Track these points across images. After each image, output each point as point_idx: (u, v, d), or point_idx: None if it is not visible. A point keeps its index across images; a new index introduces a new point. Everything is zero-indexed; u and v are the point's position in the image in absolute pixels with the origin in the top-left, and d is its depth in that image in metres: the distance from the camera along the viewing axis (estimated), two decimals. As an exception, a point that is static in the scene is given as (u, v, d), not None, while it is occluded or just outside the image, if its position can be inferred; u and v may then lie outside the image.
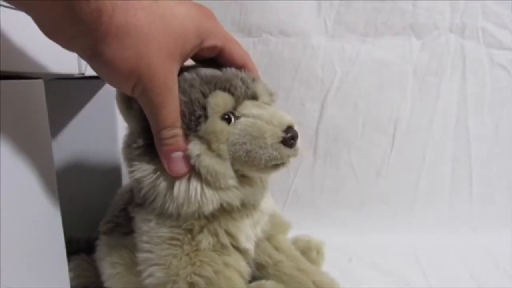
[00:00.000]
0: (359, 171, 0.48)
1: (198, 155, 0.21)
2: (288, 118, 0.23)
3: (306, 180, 0.48)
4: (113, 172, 0.37)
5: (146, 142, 0.22)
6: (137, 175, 0.22)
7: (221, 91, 0.22)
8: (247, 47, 0.45)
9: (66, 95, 0.35)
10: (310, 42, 0.45)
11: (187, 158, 0.22)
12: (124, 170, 0.37)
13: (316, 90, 0.46)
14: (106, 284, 0.27)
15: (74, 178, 0.36)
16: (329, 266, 0.35)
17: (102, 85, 0.36)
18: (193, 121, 0.22)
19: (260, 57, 0.46)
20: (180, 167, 0.22)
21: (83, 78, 0.31)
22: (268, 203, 0.27)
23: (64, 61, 0.27)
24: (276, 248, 0.30)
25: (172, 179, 0.22)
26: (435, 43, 0.45)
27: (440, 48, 0.45)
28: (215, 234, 0.23)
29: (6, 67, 0.20)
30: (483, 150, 0.47)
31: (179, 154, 0.21)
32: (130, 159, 0.23)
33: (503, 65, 0.45)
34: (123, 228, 0.26)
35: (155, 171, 0.22)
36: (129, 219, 0.26)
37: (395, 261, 0.39)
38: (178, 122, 0.21)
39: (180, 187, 0.22)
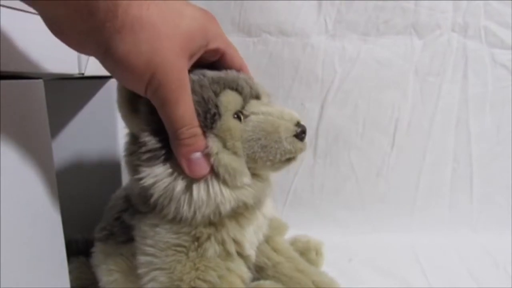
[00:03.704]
0: (359, 171, 0.47)
1: (217, 153, 0.21)
2: (296, 114, 0.23)
3: (306, 180, 0.48)
4: (113, 172, 0.36)
5: (156, 146, 0.22)
6: (149, 181, 0.21)
7: (230, 90, 0.23)
8: (247, 47, 0.46)
9: (66, 95, 0.35)
10: (310, 41, 0.45)
11: (207, 157, 0.21)
12: (125, 170, 0.37)
13: (316, 90, 0.46)
14: None
15: (74, 179, 0.36)
16: (329, 266, 0.35)
17: (102, 85, 0.36)
18: (209, 119, 0.21)
19: (260, 57, 0.45)
20: (201, 167, 0.21)
21: (83, 78, 0.31)
22: (269, 207, 0.27)
23: (64, 61, 0.27)
24: (275, 250, 0.31)
25: (189, 181, 0.21)
26: (437, 43, 0.45)
27: (442, 47, 0.45)
28: (222, 242, 0.23)
29: (6, 67, 0.20)
30: (484, 150, 0.46)
31: (198, 154, 0.21)
32: (136, 166, 0.22)
33: (505, 65, 0.45)
34: (118, 237, 0.26)
35: (170, 174, 0.21)
36: (125, 228, 0.25)
37: (395, 261, 0.39)
38: (195, 121, 0.21)
39: (199, 189, 0.21)
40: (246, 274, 0.25)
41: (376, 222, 0.47)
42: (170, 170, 0.21)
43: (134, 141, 0.23)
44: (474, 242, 0.44)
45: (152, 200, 0.22)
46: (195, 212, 0.22)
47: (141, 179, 0.22)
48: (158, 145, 0.22)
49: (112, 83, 0.36)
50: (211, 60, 0.24)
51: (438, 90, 0.46)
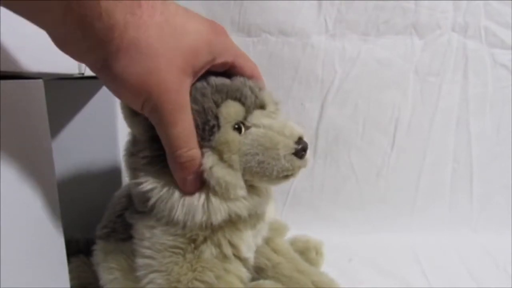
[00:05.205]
0: (359, 172, 0.47)
1: (211, 168, 0.21)
2: (298, 129, 0.23)
3: (306, 181, 0.48)
4: (113, 173, 0.36)
5: (154, 153, 0.22)
6: (147, 187, 0.22)
7: (232, 101, 0.22)
8: (247, 47, 0.46)
9: (66, 95, 0.35)
10: (310, 41, 0.45)
11: (201, 173, 0.21)
12: (125, 170, 0.37)
13: (316, 90, 0.46)
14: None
15: (74, 179, 0.36)
16: (329, 266, 0.35)
17: (102, 85, 0.36)
18: (207, 131, 0.21)
19: (260, 57, 0.45)
20: (195, 186, 0.21)
21: (83, 78, 0.31)
22: (269, 211, 0.27)
23: (64, 61, 0.27)
24: (275, 251, 0.31)
25: (184, 192, 0.22)
26: (437, 43, 0.45)
27: (442, 47, 0.45)
28: (218, 245, 0.23)
29: (6, 67, 0.20)
30: (484, 150, 0.46)
31: (194, 175, 0.21)
32: (134, 169, 0.22)
33: (505, 65, 0.45)
34: (120, 235, 0.26)
35: (166, 184, 0.22)
36: (126, 225, 0.25)
37: (395, 261, 0.40)
38: (193, 141, 0.21)
39: (192, 198, 0.22)
40: (245, 274, 0.25)
41: (376, 222, 0.47)
42: (165, 181, 0.22)
43: (134, 142, 0.23)
44: (474, 242, 0.44)
45: (149, 203, 0.22)
46: (187, 219, 0.22)
47: (139, 184, 0.22)
48: (156, 153, 0.22)
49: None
50: (219, 71, 0.23)
51: (438, 90, 0.46)
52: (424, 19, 0.44)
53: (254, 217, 0.25)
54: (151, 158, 0.22)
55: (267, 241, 0.30)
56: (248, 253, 0.25)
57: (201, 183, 0.22)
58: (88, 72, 0.30)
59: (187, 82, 0.20)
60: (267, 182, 0.23)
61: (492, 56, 0.45)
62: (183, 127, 0.20)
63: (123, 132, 0.38)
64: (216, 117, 0.22)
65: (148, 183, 0.22)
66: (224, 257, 0.24)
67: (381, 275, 0.38)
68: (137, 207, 0.24)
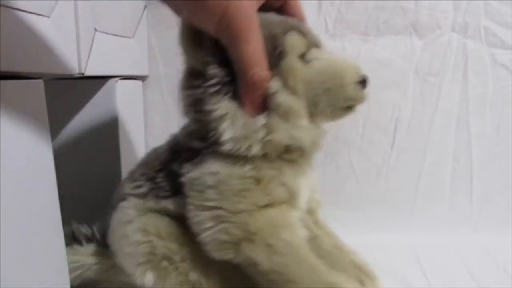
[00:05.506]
0: (359, 171, 0.47)
1: (275, 92, 0.21)
2: (358, 64, 0.23)
3: (306, 180, 0.48)
4: (113, 173, 0.36)
5: (226, 78, 0.21)
6: (221, 112, 0.21)
7: (296, 32, 0.23)
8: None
9: (66, 95, 0.35)
10: (310, 41, 0.45)
11: (267, 96, 0.22)
12: (124, 170, 0.37)
13: (316, 90, 0.46)
14: (126, 249, 0.25)
15: (74, 179, 0.36)
16: (329, 266, 0.35)
17: (102, 85, 0.36)
18: (274, 57, 0.22)
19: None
20: (261, 108, 0.22)
21: (83, 78, 0.31)
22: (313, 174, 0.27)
23: (64, 61, 0.27)
24: (315, 222, 0.30)
25: (250, 115, 0.22)
26: (437, 43, 0.45)
27: (442, 47, 0.45)
28: (284, 185, 0.23)
29: (6, 67, 0.20)
30: (484, 150, 0.47)
31: (261, 97, 0.21)
32: (196, 100, 0.22)
33: (505, 65, 0.45)
34: (162, 191, 0.24)
35: (238, 109, 0.21)
36: (170, 180, 0.24)
37: (395, 261, 0.39)
38: (264, 62, 0.21)
39: (257, 122, 0.22)
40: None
41: (376, 222, 0.47)
42: (238, 104, 0.22)
43: (194, 75, 0.22)
44: (474, 242, 0.44)
45: (216, 133, 0.22)
46: (253, 145, 0.21)
47: (210, 111, 0.21)
48: (227, 78, 0.21)
49: (112, 83, 0.36)
50: (274, 6, 0.24)
51: (438, 90, 0.46)
52: (424, 19, 0.44)
53: (312, 151, 0.24)
54: (221, 84, 0.21)
55: (310, 211, 0.29)
56: (303, 202, 0.25)
57: (266, 107, 0.22)
58: (88, 72, 0.30)
59: (256, 2, 0.21)
60: (330, 113, 0.23)
61: (492, 56, 0.45)
62: (255, 46, 0.21)
63: (123, 132, 0.38)
64: (282, 45, 0.22)
65: (223, 108, 0.21)
66: (291, 198, 0.23)
67: (381, 275, 0.37)
68: (194, 145, 0.23)
